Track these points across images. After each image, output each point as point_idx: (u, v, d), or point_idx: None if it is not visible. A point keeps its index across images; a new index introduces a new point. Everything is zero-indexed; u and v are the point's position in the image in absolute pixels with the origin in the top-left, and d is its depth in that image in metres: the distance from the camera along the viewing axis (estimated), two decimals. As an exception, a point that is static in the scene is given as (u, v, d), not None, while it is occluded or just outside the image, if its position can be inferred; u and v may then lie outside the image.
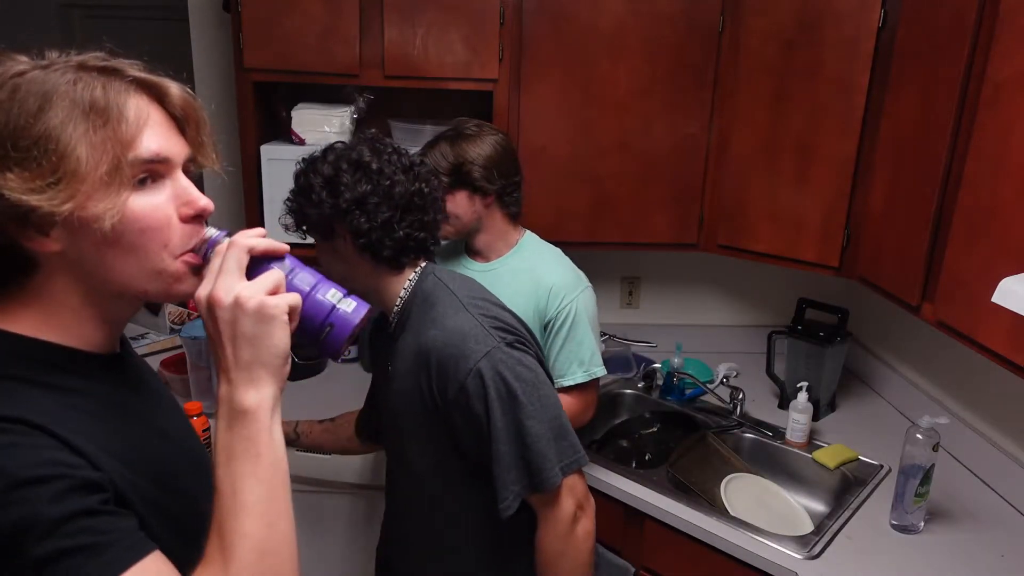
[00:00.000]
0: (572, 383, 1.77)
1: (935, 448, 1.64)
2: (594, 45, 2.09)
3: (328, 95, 2.23)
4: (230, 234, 0.79)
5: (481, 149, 1.75)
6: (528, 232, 1.89)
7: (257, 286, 0.73)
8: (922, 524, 1.69)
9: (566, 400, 1.80)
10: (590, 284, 1.85)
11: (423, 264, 1.38)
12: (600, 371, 1.81)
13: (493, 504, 1.27)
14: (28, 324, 0.77)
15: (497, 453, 1.23)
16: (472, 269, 1.85)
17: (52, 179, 0.70)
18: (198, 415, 1.79)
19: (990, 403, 1.93)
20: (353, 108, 2.22)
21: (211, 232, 0.80)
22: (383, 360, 1.43)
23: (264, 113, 2.22)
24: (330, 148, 1.33)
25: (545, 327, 1.78)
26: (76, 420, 0.73)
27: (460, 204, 1.75)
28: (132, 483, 0.75)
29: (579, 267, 1.89)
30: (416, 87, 2.13)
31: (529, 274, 1.80)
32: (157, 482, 0.80)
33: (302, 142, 2.18)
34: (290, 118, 2.19)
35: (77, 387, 0.77)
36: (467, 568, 1.39)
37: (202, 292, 0.74)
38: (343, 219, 1.27)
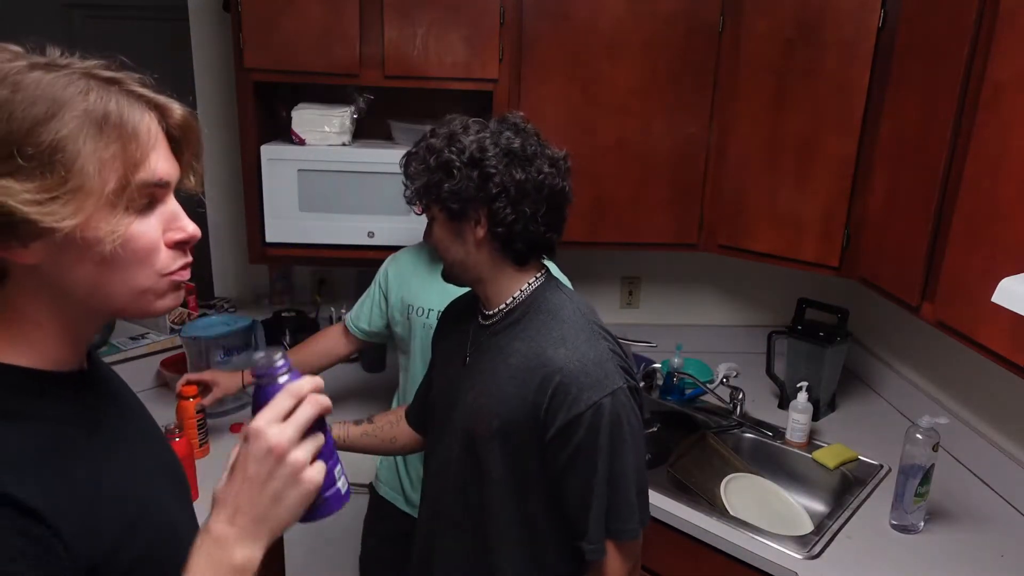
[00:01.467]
0: None
1: (935, 448, 1.64)
2: (594, 45, 2.09)
3: (328, 95, 2.23)
4: (290, 365, 0.78)
5: None
6: None
7: (307, 450, 0.74)
8: (922, 524, 1.69)
9: None
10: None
11: (545, 271, 1.33)
12: None
13: (546, 529, 1.27)
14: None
15: (597, 493, 1.20)
16: None
17: (57, 192, 0.66)
18: (193, 396, 1.85)
19: (990, 403, 1.93)
20: (353, 108, 2.22)
21: (278, 359, 0.78)
22: (460, 346, 1.38)
23: (264, 113, 2.22)
24: (466, 125, 1.26)
25: None
26: (38, 459, 0.68)
27: None
28: (97, 516, 0.71)
29: (579, 267, 1.89)
30: (416, 87, 2.13)
31: None
32: (126, 498, 0.77)
33: (302, 142, 2.17)
34: (290, 118, 2.19)
35: (43, 413, 0.73)
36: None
37: (262, 424, 0.73)
38: (487, 204, 1.21)
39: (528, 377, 1.21)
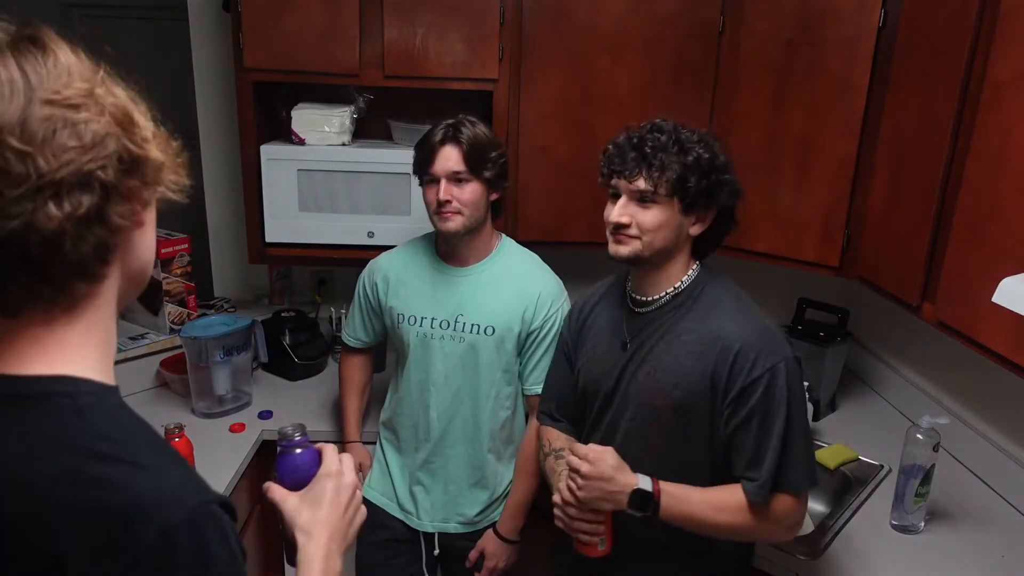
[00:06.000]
0: None
1: (935, 448, 1.64)
2: (594, 45, 2.09)
3: (328, 95, 2.23)
4: (308, 439, 0.98)
5: (500, 144, 1.70)
6: (505, 236, 1.82)
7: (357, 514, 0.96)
8: (922, 524, 1.69)
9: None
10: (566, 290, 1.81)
11: (699, 263, 1.48)
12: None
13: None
14: (80, 359, 0.65)
15: (772, 447, 1.30)
16: (449, 274, 1.75)
17: (179, 156, 0.70)
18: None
19: (990, 403, 1.93)
20: (353, 108, 2.23)
21: (299, 434, 0.99)
22: (614, 334, 1.48)
23: (264, 113, 2.22)
24: (691, 131, 1.49)
25: (529, 334, 1.73)
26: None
27: (478, 194, 1.66)
28: None
29: (580, 267, 1.88)
30: (416, 87, 2.13)
31: (512, 281, 1.73)
32: None
33: (302, 142, 2.18)
34: (290, 118, 2.19)
35: None
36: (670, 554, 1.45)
37: (335, 467, 0.93)
38: (717, 195, 1.43)
39: (707, 350, 1.35)
